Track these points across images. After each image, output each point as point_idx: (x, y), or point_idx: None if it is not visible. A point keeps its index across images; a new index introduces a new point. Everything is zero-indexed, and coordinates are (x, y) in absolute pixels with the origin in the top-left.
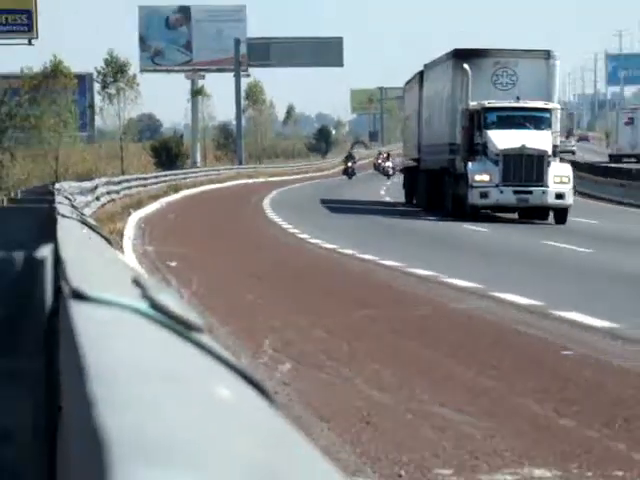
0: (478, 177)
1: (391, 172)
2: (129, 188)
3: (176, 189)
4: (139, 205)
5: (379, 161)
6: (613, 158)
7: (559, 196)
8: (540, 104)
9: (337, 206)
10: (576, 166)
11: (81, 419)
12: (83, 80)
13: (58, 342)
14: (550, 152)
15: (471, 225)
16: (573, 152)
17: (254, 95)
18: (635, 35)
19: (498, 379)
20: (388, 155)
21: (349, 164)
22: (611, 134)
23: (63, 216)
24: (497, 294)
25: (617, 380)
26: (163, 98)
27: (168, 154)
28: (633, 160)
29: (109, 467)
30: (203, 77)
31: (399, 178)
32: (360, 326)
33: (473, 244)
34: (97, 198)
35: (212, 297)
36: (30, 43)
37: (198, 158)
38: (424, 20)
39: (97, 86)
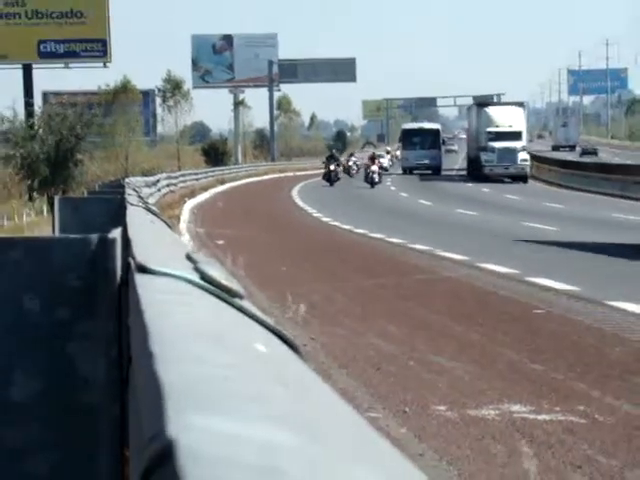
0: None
1: (377, 179)
2: (184, 181)
3: (222, 182)
4: (192, 195)
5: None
6: (554, 148)
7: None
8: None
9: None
10: (548, 161)
11: (145, 370)
12: (147, 95)
13: (127, 307)
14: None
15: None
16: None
17: (284, 106)
18: (593, 54)
19: (482, 333)
20: (374, 156)
21: (331, 167)
22: (553, 132)
23: (131, 205)
24: (481, 264)
25: (579, 333)
26: (211, 109)
27: (215, 154)
28: (567, 149)
29: (165, 412)
30: (243, 92)
31: (395, 186)
32: (366, 288)
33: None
34: (159, 190)
35: (252, 269)
36: (105, 66)
37: (239, 157)
38: (422, 46)
39: (158, 100)
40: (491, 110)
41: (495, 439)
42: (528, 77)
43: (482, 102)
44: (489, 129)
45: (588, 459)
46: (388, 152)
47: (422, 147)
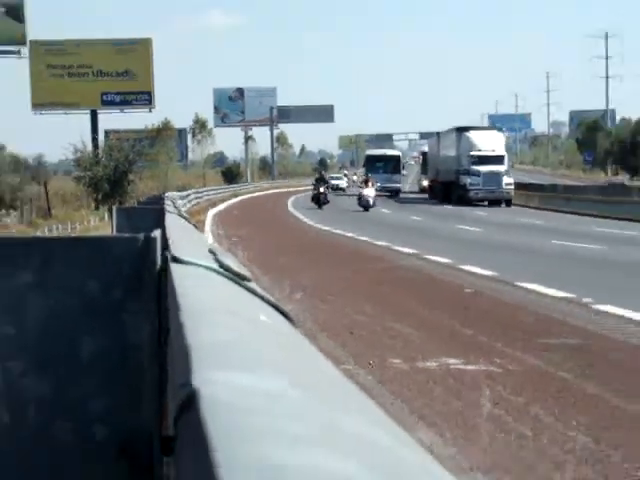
0: (471, 182)
1: (372, 202)
2: (208, 195)
3: (236, 195)
4: (214, 205)
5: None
6: None
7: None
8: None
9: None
10: (529, 187)
11: (178, 336)
12: (181, 132)
13: (165, 289)
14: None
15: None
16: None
17: (281, 140)
18: (507, 102)
19: (428, 307)
20: (367, 180)
21: (321, 189)
22: None
23: (168, 212)
24: (428, 256)
25: (497, 307)
26: (228, 142)
27: (231, 175)
28: None
29: (191, 368)
30: (251, 129)
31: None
32: (344, 275)
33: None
34: (189, 201)
35: (257, 259)
36: (150, 111)
37: (249, 177)
38: (382, 93)
39: (189, 135)
40: (473, 134)
41: (436, 383)
42: (460, 118)
43: (462, 127)
44: (472, 153)
45: (502, 397)
46: (345, 175)
47: (384, 171)
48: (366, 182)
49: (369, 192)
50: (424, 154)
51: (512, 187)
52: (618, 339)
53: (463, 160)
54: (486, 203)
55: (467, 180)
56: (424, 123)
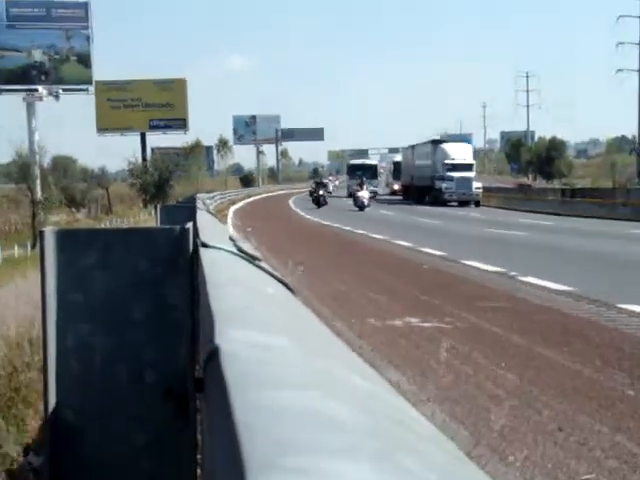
0: (446, 186)
1: (366, 203)
2: (230, 196)
3: (250, 196)
4: (234, 203)
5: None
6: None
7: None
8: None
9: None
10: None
11: (205, 303)
12: (209, 148)
13: (196, 267)
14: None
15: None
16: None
17: (284, 154)
18: (457, 124)
19: (395, 279)
20: (362, 184)
21: (320, 192)
22: None
23: (199, 209)
24: (395, 241)
25: (447, 278)
26: (244, 156)
27: (247, 181)
28: None
29: (215, 327)
30: (262, 146)
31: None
32: (332, 255)
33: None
34: (215, 200)
35: (267, 245)
36: (185, 133)
37: (260, 182)
38: (364, 117)
39: (215, 151)
40: (447, 146)
41: (401, 336)
42: (418, 137)
43: (437, 140)
44: (447, 161)
45: (452, 347)
46: (330, 180)
47: (364, 177)
48: (361, 185)
49: (364, 194)
50: (396, 163)
51: (481, 190)
52: (536, 302)
53: (438, 167)
54: (456, 204)
55: (442, 184)
56: (391, 140)
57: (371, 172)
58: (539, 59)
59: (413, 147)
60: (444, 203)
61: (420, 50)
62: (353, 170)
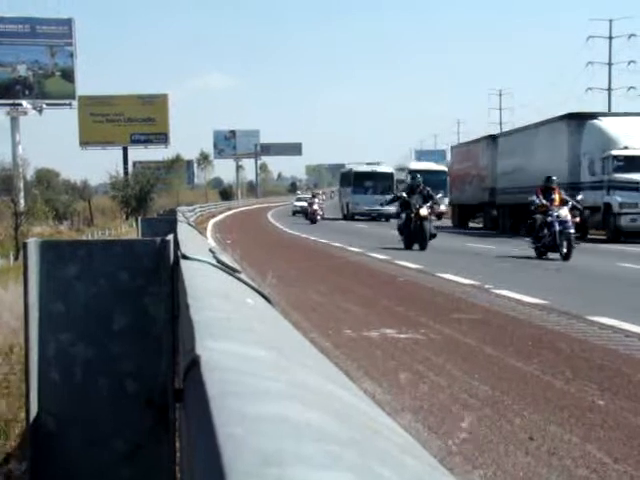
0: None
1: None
2: (209, 209)
3: (230, 209)
4: (214, 216)
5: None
6: None
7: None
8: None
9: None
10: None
11: (186, 313)
12: (189, 162)
13: (177, 278)
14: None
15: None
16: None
17: (263, 168)
18: (431, 140)
19: (371, 290)
20: (314, 195)
21: (315, 207)
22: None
23: (179, 221)
24: (371, 254)
25: (421, 290)
26: (224, 170)
27: (226, 194)
28: None
29: (195, 338)
30: (241, 161)
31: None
32: (310, 267)
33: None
34: (195, 213)
35: (245, 256)
36: (166, 147)
37: (239, 195)
38: (340, 133)
39: (195, 164)
40: (608, 122)
41: (377, 347)
42: (394, 152)
43: (580, 113)
44: (617, 152)
45: (425, 358)
46: (314, 196)
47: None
48: (313, 197)
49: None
50: (420, 173)
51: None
52: (510, 314)
53: (592, 164)
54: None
55: (614, 199)
56: (368, 156)
57: (385, 184)
58: (512, 77)
59: (495, 138)
60: (616, 236)
61: (396, 67)
62: (360, 180)
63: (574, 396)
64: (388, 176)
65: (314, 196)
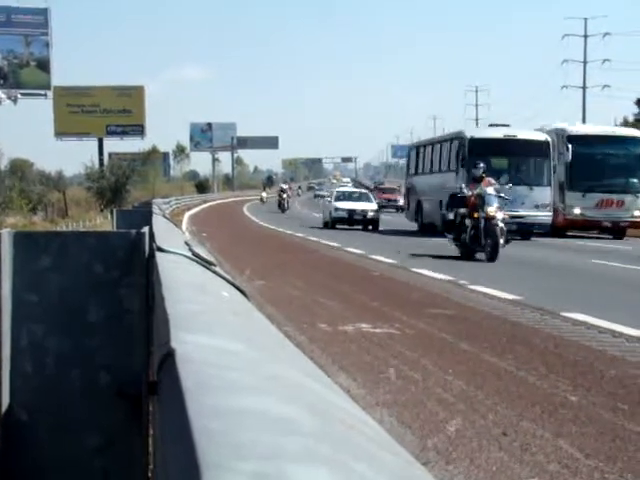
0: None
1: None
2: (185, 201)
3: (205, 202)
4: (189, 209)
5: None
6: (373, 186)
7: None
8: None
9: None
10: None
11: (160, 306)
12: (166, 155)
13: (151, 270)
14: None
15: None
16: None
17: (239, 161)
18: (407, 135)
19: (347, 285)
20: (283, 189)
21: (284, 196)
22: (379, 179)
23: (155, 213)
24: (347, 248)
25: (395, 285)
26: (200, 163)
27: (202, 187)
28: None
29: (170, 331)
30: (217, 154)
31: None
32: (285, 262)
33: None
34: (171, 206)
35: (220, 250)
36: (142, 139)
37: (215, 189)
38: (317, 127)
39: (171, 157)
40: None
41: (352, 341)
42: (371, 147)
43: None
44: None
45: (400, 353)
46: (282, 190)
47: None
48: (282, 191)
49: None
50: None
51: None
52: (484, 310)
53: None
54: None
55: None
56: (344, 150)
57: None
58: (489, 74)
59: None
60: None
61: (373, 63)
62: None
63: (546, 392)
64: (541, 145)
65: (282, 191)
